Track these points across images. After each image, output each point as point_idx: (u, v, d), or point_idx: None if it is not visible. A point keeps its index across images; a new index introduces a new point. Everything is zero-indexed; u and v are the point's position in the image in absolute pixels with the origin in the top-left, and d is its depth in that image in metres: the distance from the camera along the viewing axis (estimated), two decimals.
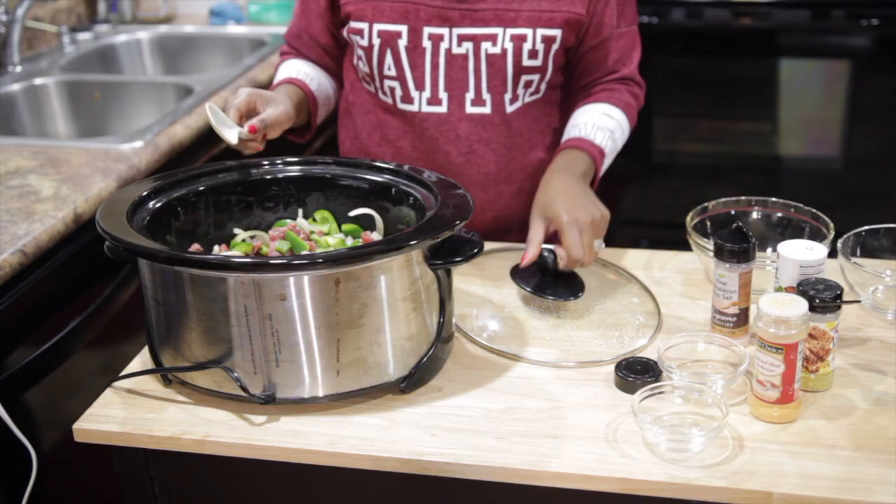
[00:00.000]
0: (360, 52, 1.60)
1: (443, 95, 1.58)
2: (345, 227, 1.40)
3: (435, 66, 1.56)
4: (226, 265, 1.16)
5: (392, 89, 1.60)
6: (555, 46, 1.56)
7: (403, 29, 1.55)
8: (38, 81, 2.49)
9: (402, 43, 1.55)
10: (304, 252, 1.28)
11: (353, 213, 1.41)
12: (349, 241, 1.35)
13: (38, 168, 1.89)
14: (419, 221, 1.23)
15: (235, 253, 1.33)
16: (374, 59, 1.58)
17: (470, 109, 1.59)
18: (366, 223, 1.40)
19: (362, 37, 1.57)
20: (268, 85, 2.48)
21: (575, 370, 1.29)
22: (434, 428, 1.19)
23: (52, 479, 1.62)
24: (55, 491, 1.66)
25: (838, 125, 3.00)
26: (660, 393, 1.19)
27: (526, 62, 1.56)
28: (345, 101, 1.74)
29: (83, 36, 2.81)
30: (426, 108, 1.59)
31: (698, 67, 3.08)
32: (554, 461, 1.12)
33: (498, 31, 1.54)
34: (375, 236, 1.38)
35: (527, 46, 1.54)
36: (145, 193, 1.33)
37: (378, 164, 1.42)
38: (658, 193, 3.15)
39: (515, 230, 1.70)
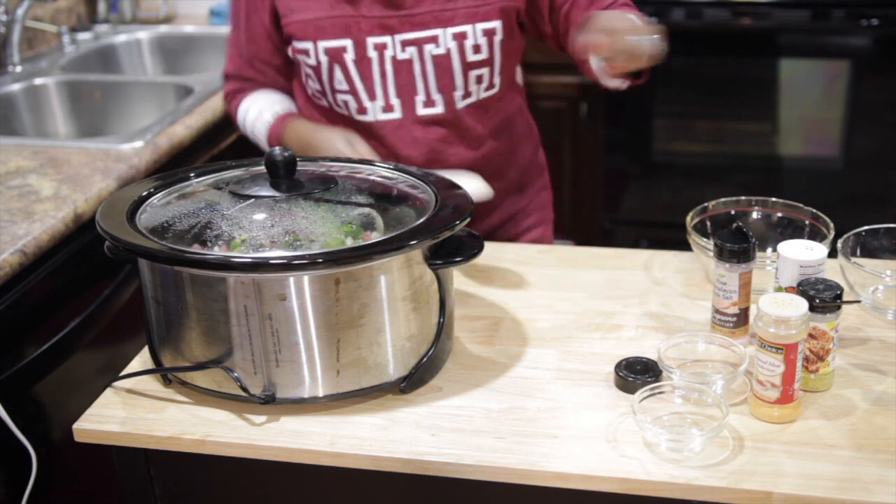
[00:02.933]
0: (308, 71, 1.61)
1: (394, 102, 1.60)
2: (345, 227, 1.40)
3: (383, 75, 1.58)
4: (226, 265, 1.16)
5: (346, 102, 1.61)
6: (497, 38, 1.58)
7: (348, 43, 1.56)
8: (38, 81, 2.49)
9: (349, 57, 1.56)
10: (304, 252, 1.28)
11: (353, 213, 1.41)
12: (349, 241, 1.35)
13: (38, 168, 1.89)
14: (419, 221, 1.23)
15: (235, 253, 1.33)
16: (323, 76, 1.59)
17: (422, 111, 1.61)
18: (366, 223, 1.40)
19: (309, 56, 1.58)
20: None
21: (575, 370, 1.29)
22: (434, 428, 1.19)
23: (52, 479, 1.62)
24: (55, 491, 1.66)
25: (838, 125, 3.00)
26: (660, 393, 1.19)
27: (471, 57, 1.59)
28: None
29: (83, 36, 2.81)
30: (381, 117, 1.61)
31: (698, 67, 3.08)
32: (554, 461, 1.12)
33: (438, 31, 1.56)
34: (375, 236, 1.38)
35: (469, 43, 1.57)
36: (145, 193, 1.33)
37: (378, 163, 1.43)
38: (658, 193, 3.15)
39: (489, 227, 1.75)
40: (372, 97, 1.59)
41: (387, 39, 1.56)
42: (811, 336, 1.20)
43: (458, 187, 1.31)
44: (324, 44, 1.56)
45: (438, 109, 1.61)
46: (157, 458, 1.24)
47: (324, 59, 1.57)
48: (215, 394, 1.24)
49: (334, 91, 1.60)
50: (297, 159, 1.31)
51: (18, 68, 2.55)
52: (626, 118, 3.09)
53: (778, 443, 1.14)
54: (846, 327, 1.34)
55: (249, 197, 1.26)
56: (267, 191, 1.27)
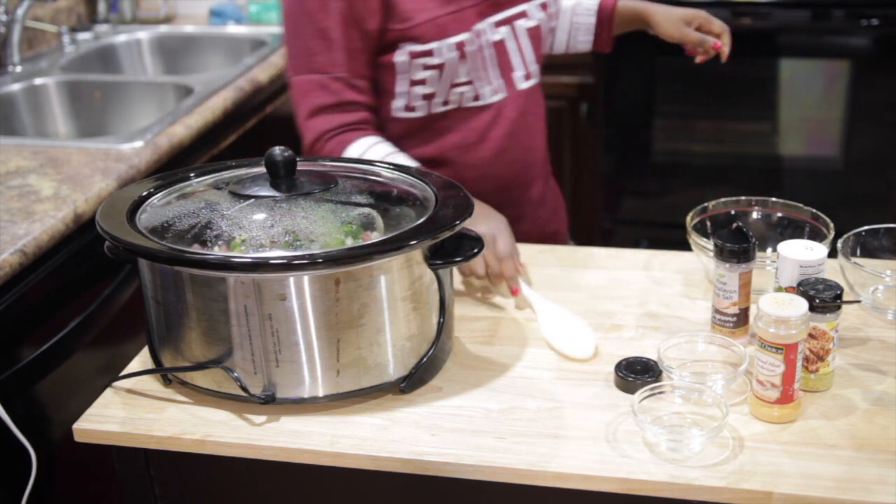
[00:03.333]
0: (426, 74, 1.59)
1: (499, 83, 1.66)
2: (345, 227, 1.40)
3: (489, 58, 1.63)
4: (226, 265, 1.16)
5: (461, 94, 1.64)
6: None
7: (466, 36, 1.59)
8: (38, 81, 2.49)
9: (470, 49, 1.60)
10: (304, 252, 1.28)
11: (353, 213, 1.41)
12: (349, 241, 1.35)
13: (38, 168, 1.89)
14: (419, 221, 1.23)
15: (235, 253, 1.33)
16: (446, 73, 1.60)
17: (523, 85, 1.69)
18: (366, 223, 1.40)
19: (432, 56, 1.57)
20: (269, 84, 2.49)
21: (575, 370, 1.29)
22: (434, 428, 1.19)
23: (52, 479, 1.62)
24: (55, 491, 1.66)
25: (838, 125, 3.00)
26: (660, 393, 1.19)
27: (552, 24, 1.75)
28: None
29: (83, 36, 2.81)
30: (491, 100, 1.66)
31: (698, 67, 3.08)
32: (554, 461, 1.12)
33: (526, 6, 1.66)
34: (375, 236, 1.38)
35: (551, 10, 1.72)
36: (145, 193, 1.33)
37: (378, 163, 1.42)
38: (658, 193, 3.15)
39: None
40: (488, 83, 1.64)
41: (483, 25, 1.61)
42: (811, 336, 1.20)
43: (459, 187, 1.31)
44: (450, 40, 1.57)
45: (535, 80, 1.72)
46: (157, 458, 1.24)
47: (453, 55, 1.58)
48: (215, 394, 1.24)
49: (452, 86, 1.62)
50: (298, 160, 1.31)
51: (18, 68, 2.55)
52: (626, 118, 3.08)
53: (778, 443, 1.14)
54: (846, 327, 1.34)
55: (249, 197, 1.26)
56: (267, 191, 1.27)
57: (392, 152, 1.56)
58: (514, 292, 1.45)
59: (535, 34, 1.68)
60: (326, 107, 1.57)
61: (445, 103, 1.63)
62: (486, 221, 1.47)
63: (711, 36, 1.72)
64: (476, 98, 1.65)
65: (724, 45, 1.72)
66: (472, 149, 1.67)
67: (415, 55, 1.57)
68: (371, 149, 1.56)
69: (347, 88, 1.57)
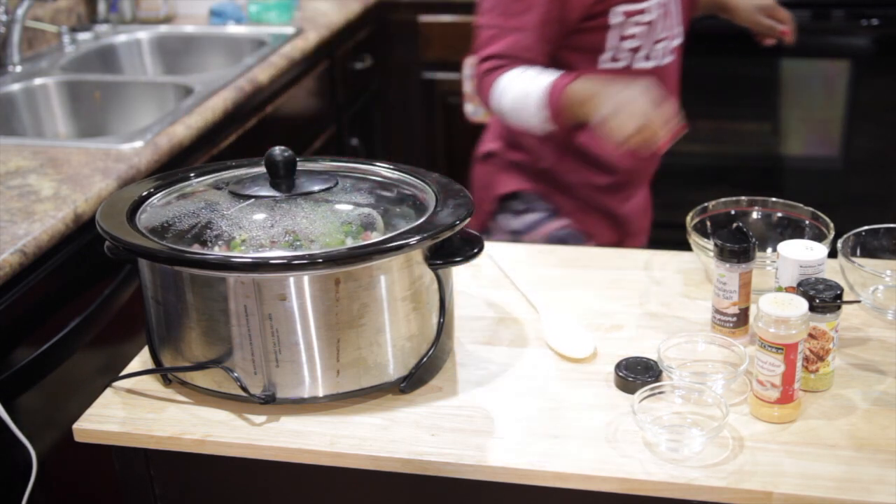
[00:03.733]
0: (637, 30, 1.74)
1: (668, 43, 1.80)
2: (345, 227, 1.40)
3: (663, 19, 1.77)
4: (226, 265, 1.16)
5: (658, 50, 1.78)
6: None
7: None
8: (38, 81, 2.49)
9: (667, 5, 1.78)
10: (304, 252, 1.28)
11: (353, 213, 1.41)
12: (349, 241, 1.35)
13: (38, 168, 1.89)
14: (419, 221, 1.23)
15: (235, 253, 1.33)
16: (652, 29, 1.75)
17: (674, 43, 1.83)
18: (366, 223, 1.40)
19: (643, 14, 1.73)
20: (269, 84, 2.49)
21: (575, 370, 1.29)
22: (434, 428, 1.19)
23: (52, 479, 1.62)
24: (55, 491, 1.66)
25: (838, 125, 3.00)
26: (660, 393, 1.19)
27: None
28: None
29: (83, 36, 2.81)
30: (669, 58, 1.82)
31: (698, 67, 3.08)
32: (554, 461, 1.12)
33: None
34: (375, 236, 1.38)
35: None
36: (145, 193, 1.33)
37: (378, 163, 1.43)
38: (658, 193, 3.15)
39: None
40: (671, 39, 1.80)
41: None
42: (811, 336, 1.20)
43: (460, 187, 1.31)
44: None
45: (681, 38, 1.87)
46: (157, 458, 1.24)
47: (659, 10, 1.74)
48: (215, 394, 1.24)
49: (655, 42, 1.77)
50: (298, 160, 1.31)
51: (18, 68, 2.55)
52: None
53: (778, 443, 1.14)
54: (846, 327, 1.34)
55: (249, 197, 1.26)
56: (267, 191, 1.27)
57: (543, 70, 1.68)
58: (671, 138, 1.52)
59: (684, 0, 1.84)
60: (503, 56, 1.72)
61: (647, 58, 1.76)
62: (631, 84, 1.55)
63: (777, 22, 1.93)
64: (666, 54, 1.80)
65: (791, 32, 1.93)
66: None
67: (629, 14, 1.70)
68: (524, 73, 1.69)
69: (528, 50, 1.72)
